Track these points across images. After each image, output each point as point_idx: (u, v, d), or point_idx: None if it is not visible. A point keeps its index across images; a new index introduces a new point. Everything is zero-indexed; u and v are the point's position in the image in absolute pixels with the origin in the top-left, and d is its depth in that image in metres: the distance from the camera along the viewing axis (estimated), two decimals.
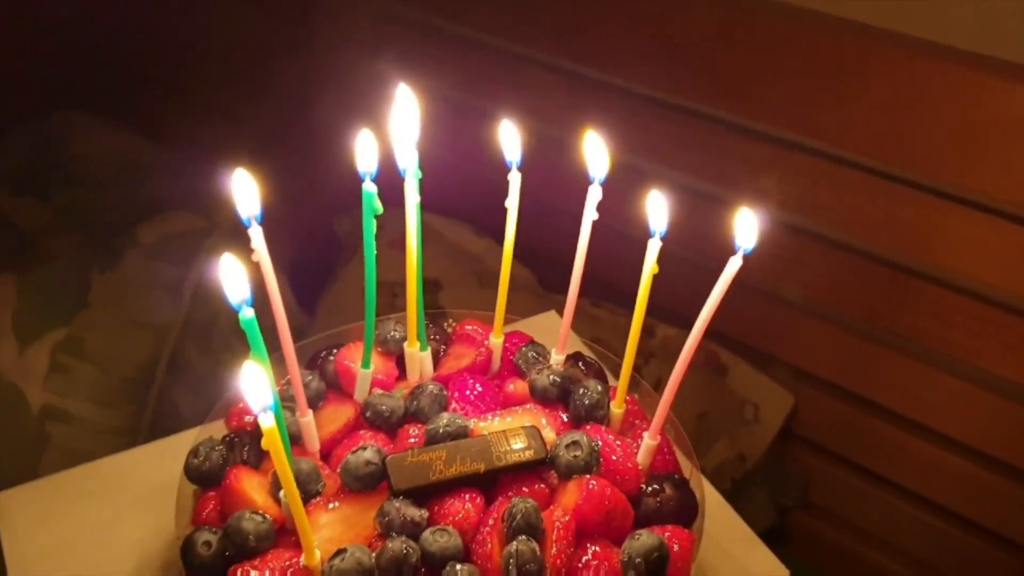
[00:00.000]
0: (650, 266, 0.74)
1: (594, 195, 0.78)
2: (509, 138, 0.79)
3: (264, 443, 0.59)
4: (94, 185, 1.94)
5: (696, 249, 1.44)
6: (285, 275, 1.80)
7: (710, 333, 1.75)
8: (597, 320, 1.78)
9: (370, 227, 0.73)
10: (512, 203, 0.81)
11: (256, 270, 0.68)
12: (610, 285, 1.39)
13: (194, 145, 1.99)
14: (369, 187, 0.72)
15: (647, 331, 1.73)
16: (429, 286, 1.82)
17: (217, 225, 1.77)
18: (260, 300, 0.65)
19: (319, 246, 1.99)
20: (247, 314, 0.62)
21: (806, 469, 1.84)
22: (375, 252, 0.76)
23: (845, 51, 1.47)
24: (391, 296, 1.77)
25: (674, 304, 1.33)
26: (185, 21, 2.21)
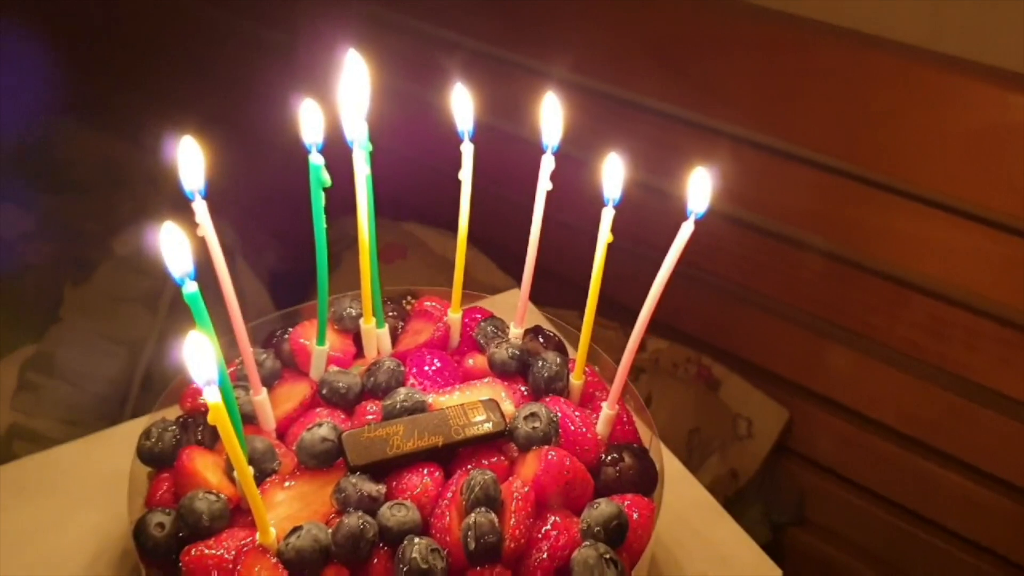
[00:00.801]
0: (605, 236, 0.73)
1: (547, 164, 0.77)
2: (462, 105, 0.78)
3: (210, 418, 0.58)
4: (78, 191, 1.90)
5: (689, 262, 1.44)
6: (265, 283, 1.77)
7: (702, 346, 1.76)
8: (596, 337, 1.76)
9: (319, 199, 0.72)
10: (465, 175, 0.80)
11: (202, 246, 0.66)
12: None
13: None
14: (316, 159, 0.71)
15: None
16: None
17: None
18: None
19: (300, 254, 1.96)
20: (190, 288, 0.60)
21: (801, 485, 1.82)
22: (325, 226, 0.74)
23: (838, 58, 1.46)
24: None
25: (666, 316, 1.32)
26: (169, 26, 2.19)
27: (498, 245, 1.67)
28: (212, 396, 0.56)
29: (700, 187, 0.69)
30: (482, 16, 1.76)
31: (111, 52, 2.28)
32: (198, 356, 0.56)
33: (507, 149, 1.26)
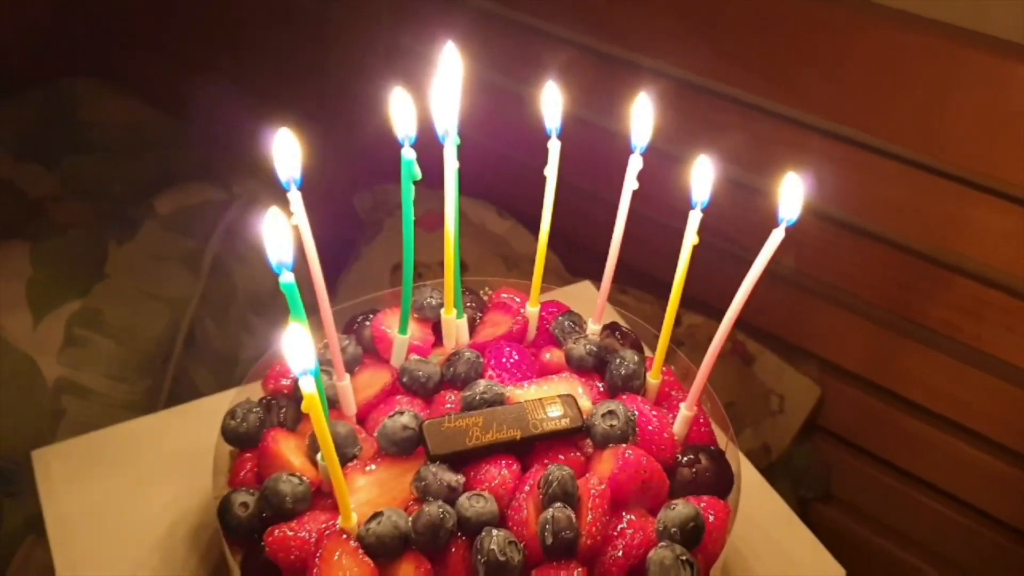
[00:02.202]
0: (691, 239, 0.73)
1: (634, 164, 0.77)
2: (552, 104, 0.79)
3: (304, 406, 0.59)
4: (102, 153, 1.91)
5: (727, 237, 1.43)
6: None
7: (737, 322, 1.72)
8: (624, 306, 1.76)
9: (408, 194, 0.73)
10: (551, 171, 0.80)
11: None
12: (637, 271, 1.38)
13: (206, 115, 1.97)
14: (408, 153, 0.72)
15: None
16: None
17: (236, 197, 1.74)
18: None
19: (338, 223, 1.98)
20: (287, 278, 0.62)
21: (830, 461, 1.82)
22: (413, 219, 0.75)
23: (880, 40, 1.43)
24: (416, 276, 1.76)
25: (701, 293, 1.31)
26: None
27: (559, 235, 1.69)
28: (308, 386, 0.58)
29: (793, 193, 0.69)
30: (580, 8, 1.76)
31: (135, 14, 2.29)
32: (297, 347, 0.58)
33: (582, 141, 1.27)
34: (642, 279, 1.61)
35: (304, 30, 2.11)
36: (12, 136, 1.92)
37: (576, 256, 1.72)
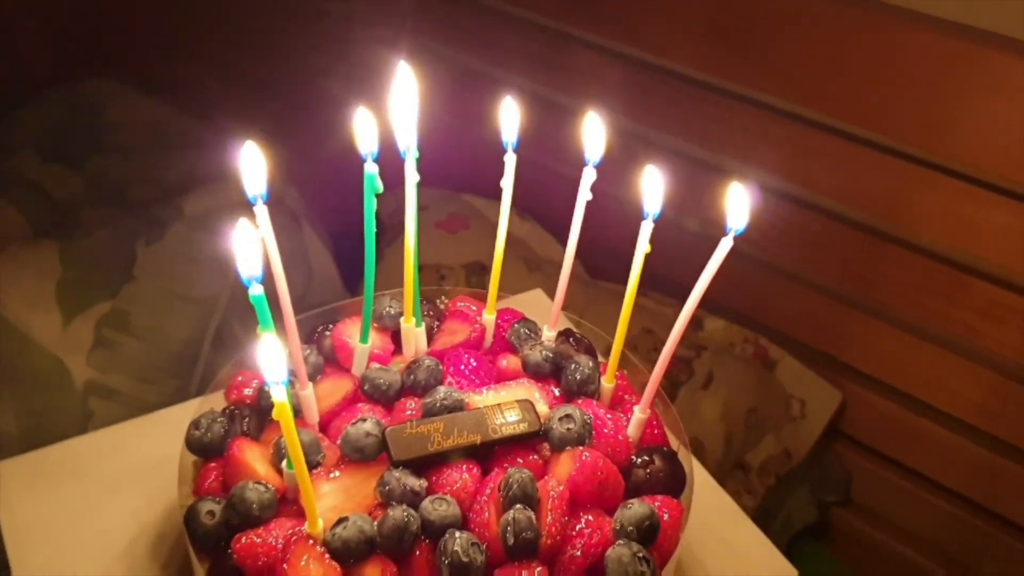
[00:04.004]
0: (643, 248, 0.76)
1: (588, 177, 0.80)
2: (509, 117, 0.81)
3: (275, 414, 0.61)
4: (126, 154, 1.90)
5: (751, 240, 1.45)
6: (330, 248, 1.79)
7: (758, 326, 1.75)
8: (644, 309, 1.78)
9: (371, 206, 0.75)
10: (507, 183, 0.82)
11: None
12: (659, 275, 1.38)
13: (230, 118, 1.96)
14: (370, 168, 0.74)
15: (695, 323, 1.72)
16: (475, 268, 1.80)
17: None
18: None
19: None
20: (256, 291, 0.63)
21: (850, 466, 1.84)
22: (375, 231, 0.77)
23: (914, 44, 1.46)
24: (438, 278, 1.75)
25: (723, 296, 1.32)
26: None
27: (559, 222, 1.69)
28: (279, 395, 0.59)
29: (737, 204, 0.72)
30: None
31: (160, 16, 2.27)
32: (270, 357, 0.59)
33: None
34: (665, 283, 1.60)
35: (327, 35, 2.11)
36: (37, 137, 1.91)
37: (598, 259, 1.72)
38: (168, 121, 1.97)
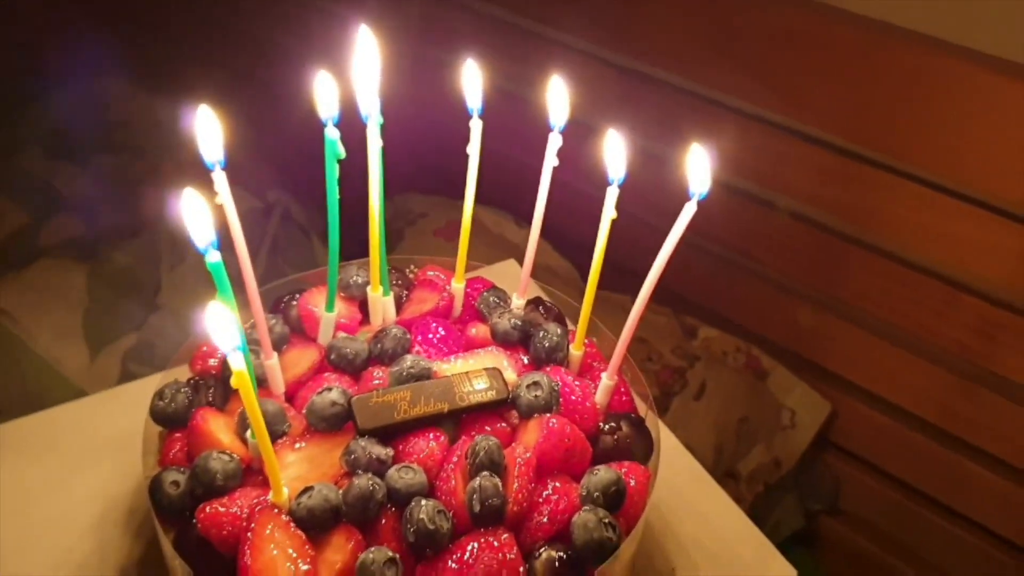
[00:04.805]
0: (609, 213, 0.75)
1: (553, 142, 0.79)
2: (471, 82, 0.80)
3: (233, 382, 0.60)
4: (133, 153, 1.90)
5: (742, 250, 1.44)
6: (312, 236, 1.80)
7: (750, 336, 1.75)
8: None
9: (332, 172, 0.74)
10: (473, 150, 0.82)
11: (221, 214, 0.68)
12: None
13: (240, 122, 1.96)
14: (331, 132, 0.73)
15: (689, 332, 1.73)
16: None
17: (274, 205, 1.74)
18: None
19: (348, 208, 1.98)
20: (213, 257, 0.62)
21: (839, 476, 1.85)
22: (338, 197, 0.76)
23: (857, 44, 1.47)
24: None
25: (716, 305, 1.31)
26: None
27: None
28: (237, 363, 0.59)
29: (698, 166, 0.71)
30: None
31: (167, 17, 2.27)
32: (222, 324, 0.58)
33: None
34: (657, 292, 1.61)
35: (333, 38, 2.10)
36: (44, 135, 1.90)
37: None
38: (174, 120, 1.97)
